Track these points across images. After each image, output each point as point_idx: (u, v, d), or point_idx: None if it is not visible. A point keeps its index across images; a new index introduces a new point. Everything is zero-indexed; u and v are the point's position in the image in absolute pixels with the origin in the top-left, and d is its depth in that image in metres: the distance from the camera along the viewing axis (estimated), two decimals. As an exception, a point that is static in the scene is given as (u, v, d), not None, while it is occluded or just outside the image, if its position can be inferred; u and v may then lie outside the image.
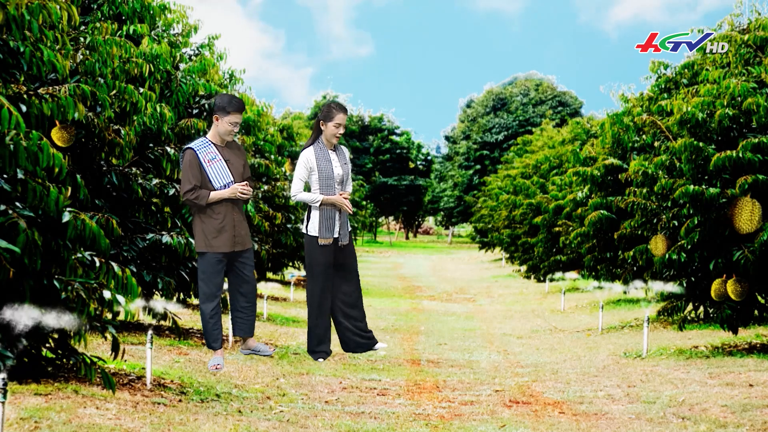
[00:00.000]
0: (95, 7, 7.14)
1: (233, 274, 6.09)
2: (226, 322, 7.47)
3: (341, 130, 6.03)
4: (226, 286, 6.31)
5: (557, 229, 14.68)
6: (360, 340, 6.25)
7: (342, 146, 6.17)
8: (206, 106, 8.16)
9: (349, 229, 6.15)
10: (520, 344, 9.14)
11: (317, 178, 5.92)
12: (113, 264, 4.19)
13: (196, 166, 5.80)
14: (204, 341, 7.71)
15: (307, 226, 5.99)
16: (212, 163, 5.86)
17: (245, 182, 5.89)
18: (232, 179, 5.90)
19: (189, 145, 5.87)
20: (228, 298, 6.36)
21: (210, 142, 5.91)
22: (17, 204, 3.86)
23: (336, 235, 5.99)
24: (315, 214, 5.94)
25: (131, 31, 6.96)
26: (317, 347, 6.12)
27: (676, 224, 7.57)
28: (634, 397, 5.65)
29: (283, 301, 13.26)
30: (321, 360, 6.23)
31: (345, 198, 5.98)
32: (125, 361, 5.67)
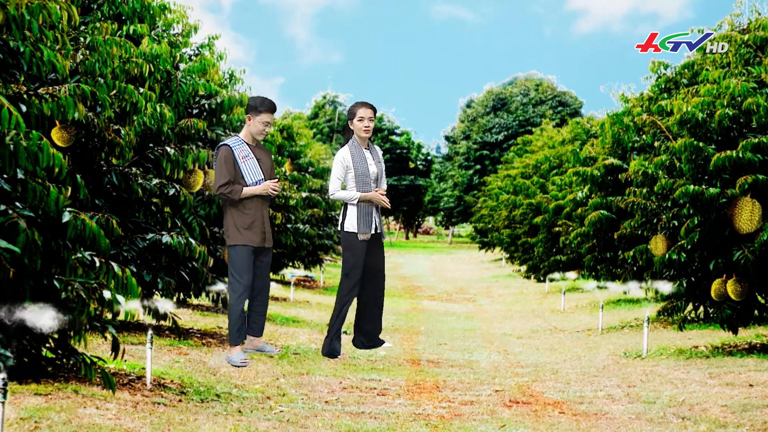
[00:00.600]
0: (95, 7, 7.14)
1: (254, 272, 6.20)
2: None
3: (366, 123, 6.16)
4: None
5: (557, 229, 14.67)
6: (367, 340, 6.35)
7: (375, 146, 6.32)
8: (206, 106, 8.16)
9: (383, 226, 6.28)
10: (520, 344, 9.14)
11: (353, 176, 6.09)
12: (113, 264, 4.19)
13: (231, 162, 5.99)
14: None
15: (343, 224, 6.17)
16: (246, 160, 6.05)
17: (276, 180, 6.01)
18: (263, 177, 6.05)
19: (224, 142, 6.08)
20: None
21: (243, 141, 6.10)
22: (17, 204, 3.86)
23: (373, 231, 6.14)
24: (352, 211, 6.12)
25: (131, 31, 6.96)
26: (337, 345, 6.26)
27: (676, 224, 7.57)
28: (634, 397, 5.65)
29: (283, 301, 13.26)
30: (334, 358, 6.35)
31: (381, 194, 6.11)
32: (125, 361, 5.67)
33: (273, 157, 12.83)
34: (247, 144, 6.09)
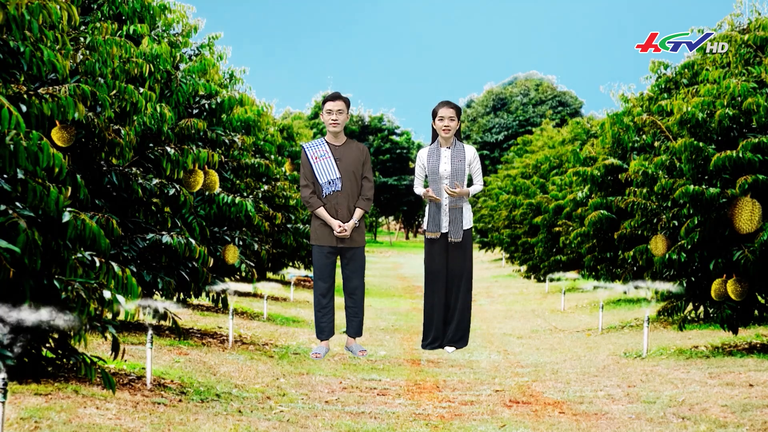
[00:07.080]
0: (95, 7, 7.13)
1: (342, 272, 6.40)
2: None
3: (446, 123, 6.26)
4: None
5: (557, 229, 14.68)
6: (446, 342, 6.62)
7: (465, 145, 6.40)
8: (206, 106, 8.16)
9: (466, 227, 6.30)
10: (520, 344, 9.14)
11: (426, 174, 6.27)
12: (113, 264, 4.19)
13: (305, 163, 6.25)
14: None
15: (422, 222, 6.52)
16: (319, 160, 6.20)
17: (341, 227, 6.14)
18: (339, 176, 6.16)
19: (302, 144, 6.28)
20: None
21: (324, 141, 6.26)
22: (17, 204, 3.86)
23: (444, 230, 6.23)
24: (426, 209, 6.29)
25: (131, 31, 6.96)
26: (432, 340, 6.49)
27: (676, 224, 7.57)
28: (634, 397, 5.65)
29: (283, 301, 13.26)
30: (429, 349, 6.64)
31: (443, 189, 6.22)
32: (125, 361, 5.67)
33: (273, 157, 12.86)
34: (329, 144, 6.22)
